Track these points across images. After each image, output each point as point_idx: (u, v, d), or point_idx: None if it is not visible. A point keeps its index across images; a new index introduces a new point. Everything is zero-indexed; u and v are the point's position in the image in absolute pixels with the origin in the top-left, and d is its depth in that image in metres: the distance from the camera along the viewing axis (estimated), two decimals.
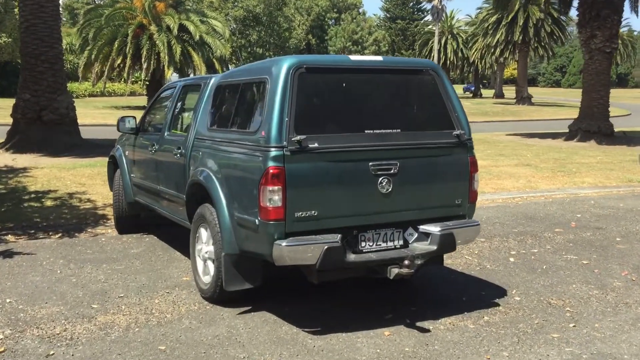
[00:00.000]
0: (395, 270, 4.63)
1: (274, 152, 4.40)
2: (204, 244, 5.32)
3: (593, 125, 20.63)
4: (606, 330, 4.80)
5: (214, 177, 5.09)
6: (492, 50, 54.10)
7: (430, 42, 64.94)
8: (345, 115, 4.74)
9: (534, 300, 5.45)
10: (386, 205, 4.74)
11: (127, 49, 29.90)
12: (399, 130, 4.82)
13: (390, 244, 4.82)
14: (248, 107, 5.00)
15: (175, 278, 5.96)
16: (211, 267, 5.23)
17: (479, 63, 62.98)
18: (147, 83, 35.41)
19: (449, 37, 64.82)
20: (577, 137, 20.76)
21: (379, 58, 4.98)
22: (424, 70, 5.06)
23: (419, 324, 4.87)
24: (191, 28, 30.54)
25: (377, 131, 4.73)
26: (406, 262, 4.57)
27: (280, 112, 4.44)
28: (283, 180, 4.39)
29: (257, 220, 4.50)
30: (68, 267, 6.29)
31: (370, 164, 4.65)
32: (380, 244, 4.78)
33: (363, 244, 4.72)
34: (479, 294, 5.61)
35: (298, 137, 4.40)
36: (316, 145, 4.47)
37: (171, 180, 6.14)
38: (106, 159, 8.63)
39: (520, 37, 49.69)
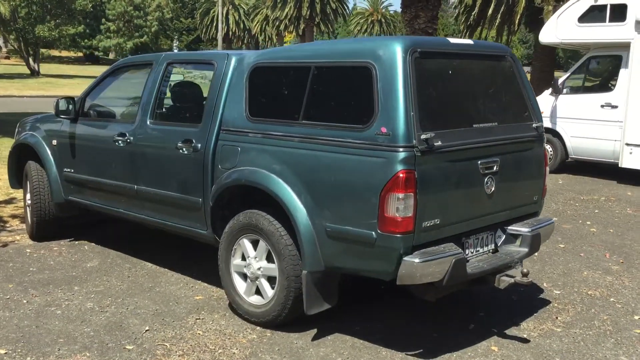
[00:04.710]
0: (508, 280, 4.21)
1: (403, 153, 3.69)
2: (254, 259, 4.41)
3: None
4: None
5: (280, 179, 4.20)
6: (278, 23, 54.60)
7: (212, 12, 63.76)
8: (456, 107, 4.18)
9: (573, 292, 5.38)
10: (488, 206, 4.29)
11: None
12: (497, 124, 4.38)
13: (485, 248, 4.39)
14: (336, 98, 4.15)
15: (186, 298, 4.91)
16: (267, 286, 4.37)
17: (259, 35, 63.32)
18: None
19: (230, 7, 64.30)
20: None
21: (470, 41, 4.46)
22: (505, 56, 4.64)
23: (508, 332, 4.52)
24: None
25: (482, 125, 4.25)
26: (524, 270, 4.18)
27: (405, 105, 3.74)
28: (413, 185, 3.72)
29: (374, 233, 3.77)
30: (30, 294, 4.90)
31: (479, 162, 4.16)
32: (478, 250, 4.33)
33: (467, 251, 4.23)
34: (518, 290, 5.40)
35: (427, 135, 3.75)
36: (440, 143, 3.85)
37: (169, 179, 5.01)
38: None
39: (308, 13, 50.82)
